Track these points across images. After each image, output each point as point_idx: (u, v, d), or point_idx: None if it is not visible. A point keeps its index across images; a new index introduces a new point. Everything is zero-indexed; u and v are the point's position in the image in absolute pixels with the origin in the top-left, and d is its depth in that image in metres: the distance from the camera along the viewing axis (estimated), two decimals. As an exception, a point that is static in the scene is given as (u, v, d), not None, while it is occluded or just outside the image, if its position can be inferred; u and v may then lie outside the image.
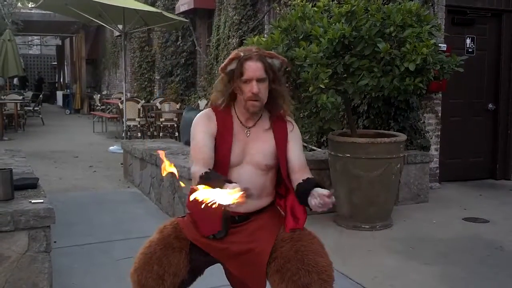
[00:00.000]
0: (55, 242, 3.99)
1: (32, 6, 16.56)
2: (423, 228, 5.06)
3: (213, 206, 1.81)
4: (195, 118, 2.40)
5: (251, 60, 2.23)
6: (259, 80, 2.23)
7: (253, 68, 2.22)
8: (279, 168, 2.36)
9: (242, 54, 2.26)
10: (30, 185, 3.83)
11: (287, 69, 2.47)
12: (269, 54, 2.32)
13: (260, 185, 2.31)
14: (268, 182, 2.35)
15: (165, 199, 5.63)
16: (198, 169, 2.15)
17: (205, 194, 1.84)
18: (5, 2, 16.27)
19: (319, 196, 2.09)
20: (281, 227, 2.31)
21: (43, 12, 16.27)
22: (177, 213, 5.21)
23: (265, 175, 2.33)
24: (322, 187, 2.16)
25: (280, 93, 2.35)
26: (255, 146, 2.31)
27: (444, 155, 6.88)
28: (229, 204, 1.84)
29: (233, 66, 2.26)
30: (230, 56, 2.28)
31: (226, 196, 1.85)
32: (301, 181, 2.24)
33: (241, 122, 2.34)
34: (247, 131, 2.33)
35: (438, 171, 6.77)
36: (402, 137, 5.17)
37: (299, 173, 2.30)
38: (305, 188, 2.19)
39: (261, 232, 2.28)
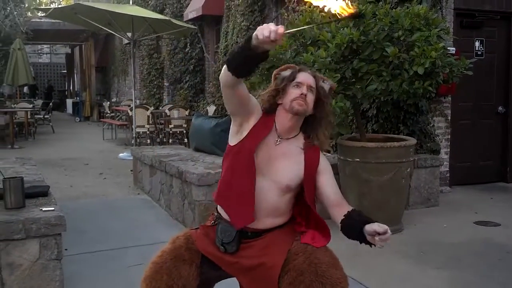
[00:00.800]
0: (66, 249, 4.00)
1: (42, 15, 16.68)
2: (434, 233, 5.04)
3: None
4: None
5: (305, 71, 2.33)
6: (309, 88, 2.28)
7: (306, 76, 2.30)
8: (298, 193, 2.33)
9: (297, 66, 2.36)
10: (41, 193, 3.86)
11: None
12: (321, 76, 2.38)
13: (274, 204, 2.27)
14: (283, 204, 2.30)
15: (174, 205, 5.64)
16: None
17: None
18: (16, 13, 16.41)
19: (375, 234, 2.03)
20: (293, 241, 2.28)
21: (53, 21, 16.39)
22: (187, 220, 5.22)
23: (282, 196, 2.27)
24: (366, 220, 2.12)
25: (322, 120, 2.33)
26: (282, 163, 2.27)
27: (454, 159, 6.84)
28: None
29: (287, 73, 2.31)
30: (286, 66, 2.35)
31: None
32: (343, 217, 2.20)
33: (276, 130, 2.31)
34: (277, 140, 2.29)
35: (448, 174, 6.74)
36: (412, 141, 5.15)
37: (338, 207, 2.26)
38: (352, 226, 2.17)
39: (273, 246, 2.25)
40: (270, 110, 2.34)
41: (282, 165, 2.26)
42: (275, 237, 2.29)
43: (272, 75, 2.36)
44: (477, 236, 4.92)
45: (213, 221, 2.36)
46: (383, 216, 4.92)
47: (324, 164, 2.33)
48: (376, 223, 2.05)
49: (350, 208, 2.24)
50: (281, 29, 1.86)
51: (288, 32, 1.93)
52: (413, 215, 5.55)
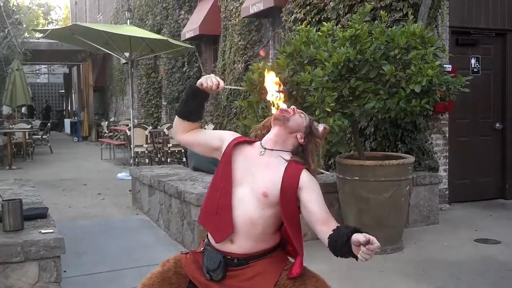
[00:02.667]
0: (64, 271, 3.98)
1: (40, 36, 16.77)
2: (434, 251, 5.02)
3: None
4: None
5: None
6: (301, 114, 2.37)
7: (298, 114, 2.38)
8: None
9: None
10: (39, 215, 3.85)
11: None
12: (316, 122, 2.47)
13: (253, 217, 2.21)
14: (262, 220, 2.22)
15: (173, 226, 5.62)
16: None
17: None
18: (13, 34, 16.48)
19: (359, 245, 1.98)
20: (281, 272, 2.25)
21: (50, 41, 16.47)
22: (186, 240, 5.20)
23: (261, 209, 2.21)
24: (355, 229, 2.06)
25: (311, 151, 2.37)
26: (262, 173, 2.25)
27: (452, 176, 6.84)
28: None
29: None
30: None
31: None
32: (332, 232, 2.11)
33: (260, 144, 2.34)
34: (262, 150, 2.30)
35: (447, 192, 6.74)
36: (411, 159, 5.16)
37: (325, 225, 2.16)
38: (339, 235, 2.06)
39: (260, 278, 2.22)
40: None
41: (261, 173, 2.25)
42: (262, 267, 2.25)
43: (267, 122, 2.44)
44: (478, 254, 4.91)
45: (202, 248, 2.36)
46: (383, 235, 4.92)
47: (307, 180, 2.24)
48: (363, 234, 1.99)
49: (336, 224, 2.17)
50: (221, 83, 2.29)
51: (227, 87, 2.34)
52: (413, 233, 5.54)
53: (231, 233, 2.22)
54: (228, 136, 2.38)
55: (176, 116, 2.38)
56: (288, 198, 2.21)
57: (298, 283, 2.20)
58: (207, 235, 2.36)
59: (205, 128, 11.63)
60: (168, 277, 2.31)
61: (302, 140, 2.33)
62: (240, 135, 2.43)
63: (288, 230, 2.24)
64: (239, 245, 2.23)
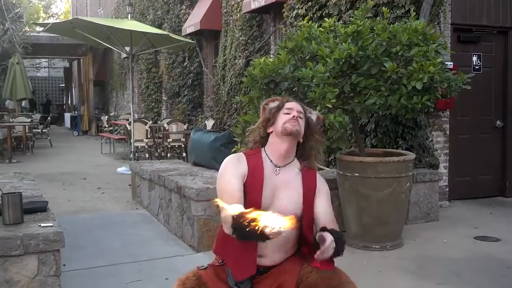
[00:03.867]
0: (64, 265, 3.97)
1: (40, 30, 16.75)
2: (434, 248, 5.02)
3: (259, 228, 1.80)
4: (224, 161, 2.36)
5: (293, 101, 2.42)
6: (299, 114, 2.35)
7: (295, 104, 2.39)
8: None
9: (284, 98, 2.46)
10: (39, 208, 3.84)
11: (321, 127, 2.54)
12: (308, 108, 2.47)
13: (287, 237, 2.23)
14: (293, 234, 2.28)
15: (173, 220, 5.62)
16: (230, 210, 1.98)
17: (256, 215, 1.84)
18: (15, 28, 16.46)
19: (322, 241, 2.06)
20: (304, 263, 2.28)
21: (51, 35, 16.44)
22: (186, 235, 5.19)
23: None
24: (333, 230, 2.13)
25: (313, 147, 2.39)
26: (285, 193, 2.28)
27: (453, 173, 6.84)
28: (279, 228, 1.82)
29: (275, 103, 2.39)
30: (273, 98, 2.46)
31: (277, 220, 1.84)
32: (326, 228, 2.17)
33: (271, 161, 2.33)
34: (276, 169, 2.31)
35: (447, 189, 6.73)
36: (411, 155, 5.15)
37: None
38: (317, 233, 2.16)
39: (285, 272, 2.26)
40: (261, 143, 2.40)
41: (285, 194, 2.27)
42: (285, 264, 2.29)
43: (261, 107, 2.44)
44: (478, 251, 4.90)
45: (220, 261, 2.34)
46: (383, 231, 4.93)
47: (321, 184, 2.35)
48: (330, 235, 2.06)
49: (336, 229, 2.24)
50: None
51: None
52: (413, 230, 5.54)
53: (252, 273, 2.23)
54: (238, 169, 2.29)
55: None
56: (310, 204, 2.30)
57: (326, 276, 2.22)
58: None
59: (206, 124, 11.64)
60: None
61: (302, 139, 2.37)
62: (240, 157, 2.34)
63: (307, 232, 2.29)
64: (270, 259, 2.27)
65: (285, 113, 2.34)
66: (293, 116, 2.31)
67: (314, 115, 2.42)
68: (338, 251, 2.13)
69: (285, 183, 2.28)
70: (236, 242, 2.06)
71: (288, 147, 2.32)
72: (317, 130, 2.41)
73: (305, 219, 2.28)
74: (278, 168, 2.31)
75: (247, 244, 2.15)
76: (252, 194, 2.25)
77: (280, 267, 2.29)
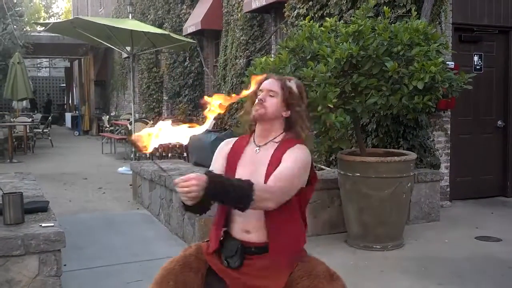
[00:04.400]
0: (65, 265, 3.97)
1: (41, 29, 16.76)
2: (435, 248, 5.01)
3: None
4: None
5: (270, 78, 2.40)
6: (270, 93, 2.34)
7: (267, 82, 2.37)
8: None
9: (266, 75, 2.45)
10: (40, 208, 3.85)
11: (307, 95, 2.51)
12: (288, 77, 2.45)
13: (260, 212, 2.22)
14: (272, 211, 2.22)
15: (174, 220, 5.62)
16: None
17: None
18: (16, 26, 16.48)
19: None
20: (298, 263, 2.26)
21: (52, 34, 16.45)
22: (187, 235, 5.19)
23: None
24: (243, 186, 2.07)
25: (298, 117, 2.36)
26: (263, 167, 2.29)
27: (454, 173, 6.83)
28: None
29: (255, 87, 2.40)
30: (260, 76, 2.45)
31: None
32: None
33: (254, 141, 2.38)
34: (256, 149, 2.35)
35: (448, 189, 6.72)
36: (412, 155, 5.14)
37: (273, 179, 2.19)
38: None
39: (274, 269, 2.23)
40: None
41: (263, 170, 2.28)
42: (278, 256, 2.25)
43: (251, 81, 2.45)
44: (479, 252, 4.90)
45: (221, 237, 2.37)
46: (384, 231, 4.92)
47: (289, 151, 2.28)
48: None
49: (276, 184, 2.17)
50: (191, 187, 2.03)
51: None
52: (414, 230, 5.53)
53: (215, 247, 2.31)
54: (221, 151, 2.44)
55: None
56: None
57: (314, 275, 2.21)
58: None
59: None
60: (189, 262, 2.33)
61: (288, 113, 2.35)
62: (230, 140, 2.48)
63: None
64: (255, 234, 2.27)
65: (258, 95, 2.37)
66: (259, 100, 2.33)
67: (292, 83, 2.39)
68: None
69: (263, 161, 2.30)
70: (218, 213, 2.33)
71: (263, 128, 2.35)
72: (297, 99, 2.36)
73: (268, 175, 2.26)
74: (258, 148, 2.35)
75: (219, 213, 2.33)
76: (229, 171, 2.34)
77: (270, 257, 2.24)
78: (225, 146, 2.46)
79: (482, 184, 7.18)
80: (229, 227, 2.34)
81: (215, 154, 2.48)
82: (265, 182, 2.22)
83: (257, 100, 2.33)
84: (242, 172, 2.30)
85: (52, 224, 3.42)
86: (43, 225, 3.41)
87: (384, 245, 4.93)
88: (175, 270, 2.30)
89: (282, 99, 2.33)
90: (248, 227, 2.27)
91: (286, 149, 2.29)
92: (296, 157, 2.25)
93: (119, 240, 5.35)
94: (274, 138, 2.36)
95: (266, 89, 2.35)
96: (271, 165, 2.26)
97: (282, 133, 2.37)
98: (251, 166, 2.31)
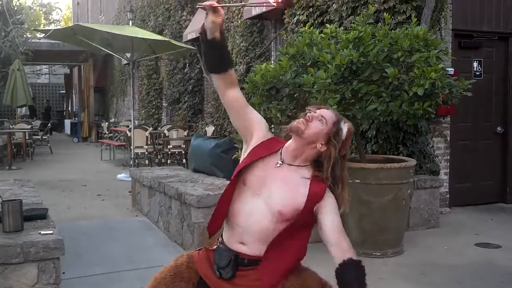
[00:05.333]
0: (63, 273, 3.95)
1: (41, 36, 16.79)
2: (435, 254, 5.00)
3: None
4: None
5: (329, 109, 2.28)
6: (320, 117, 2.19)
7: (325, 110, 2.25)
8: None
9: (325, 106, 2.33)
10: (39, 215, 3.83)
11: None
12: (345, 119, 2.29)
13: (265, 229, 2.17)
14: (275, 233, 2.17)
15: (173, 227, 5.60)
16: None
17: None
18: (15, 33, 16.51)
19: None
20: (289, 275, 2.21)
21: (52, 41, 16.47)
22: (186, 242, 5.17)
23: (274, 223, 2.16)
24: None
25: (327, 156, 2.19)
26: (277, 187, 2.17)
27: (453, 179, 6.82)
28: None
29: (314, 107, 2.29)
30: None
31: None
32: (340, 264, 2.08)
33: (281, 155, 2.24)
34: (279, 162, 2.22)
35: (448, 195, 6.71)
36: (412, 162, 5.14)
37: (335, 246, 2.11)
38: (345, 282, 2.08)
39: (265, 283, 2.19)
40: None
41: (278, 189, 2.17)
42: (271, 268, 2.20)
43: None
44: (479, 258, 4.88)
45: (216, 246, 2.34)
46: (384, 238, 4.91)
47: (329, 199, 2.17)
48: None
49: (347, 251, 2.10)
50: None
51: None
52: (414, 236, 5.51)
53: (216, 229, 2.25)
54: (258, 135, 2.30)
55: (210, 74, 2.29)
56: (306, 213, 2.16)
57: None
58: (221, 234, 2.34)
59: (206, 130, 11.64)
60: (180, 272, 2.30)
61: (325, 148, 2.19)
62: (270, 138, 2.31)
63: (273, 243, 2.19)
64: (250, 247, 2.20)
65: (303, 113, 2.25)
66: (306, 115, 2.20)
67: (345, 127, 2.23)
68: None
69: (282, 179, 2.19)
70: (220, 200, 2.24)
71: (295, 147, 2.21)
72: (339, 142, 2.20)
73: (296, 221, 2.17)
74: (280, 162, 2.23)
75: (222, 201, 2.23)
76: (249, 156, 2.25)
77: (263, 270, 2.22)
78: (266, 130, 2.33)
79: (482, 190, 7.17)
80: (225, 235, 2.28)
81: (261, 120, 2.35)
82: (276, 201, 2.15)
83: (304, 114, 2.21)
84: (256, 173, 2.21)
85: (51, 232, 3.40)
86: (42, 232, 3.39)
87: (384, 252, 4.91)
88: (166, 280, 2.27)
89: (327, 131, 2.19)
90: (244, 239, 2.20)
91: (321, 192, 2.16)
92: (337, 211, 2.19)
93: (118, 248, 5.33)
94: (300, 166, 2.22)
95: (319, 113, 2.21)
96: (308, 203, 2.14)
97: (308, 165, 2.23)
98: (265, 172, 2.21)
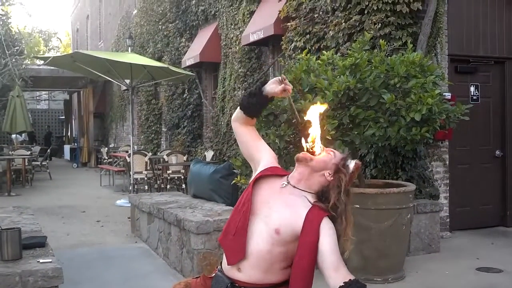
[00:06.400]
0: (62, 301, 3.93)
1: (41, 63, 16.91)
2: (436, 280, 4.97)
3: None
4: None
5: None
6: (330, 151, 2.26)
7: (335, 151, 2.32)
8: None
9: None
10: (38, 243, 3.82)
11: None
12: (350, 157, 2.35)
13: (262, 251, 2.16)
14: (272, 256, 2.17)
15: (173, 254, 5.57)
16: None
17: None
18: (16, 62, 16.62)
19: None
20: None
21: (51, 68, 16.58)
22: (185, 269, 5.15)
23: (271, 244, 2.15)
24: None
25: (332, 187, 2.22)
26: (278, 206, 2.19)
27: (453, 203, 6.82)
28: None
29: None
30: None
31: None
32: (342, 285, 2.04)
33: (287, 177, 2.27)
34: (284, 183, 2.24)
35: (448, 219, 6.70)
36: (411, 187, 5.14)
37: (335, 272, 2.09)
38: None
39: None
40: None
41: (278, 208, 2.18)
42: None
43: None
44: (480, 283, 4.86)
45: (214, 273, 2.34)
46: (384, 264, 4.88)
47: (326, 226, 2.17)
48: None
49: (345, 276, 2.07)
50: (288, 87, 2.28)
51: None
52: (415, 261, 5.49)
53: (242, 257, 2.18)
54: (266, 161, 2.36)
55: (238, 106, 2.39)
56: (307, 244, 2.13)
57: None
58: (221, 262, 2.33)
59: (205, 155, 11.66)
60: None
61: (331, 178, 2.22)
62: (276, 166, 2.36)
63: (293, 278, 2.16)
64: (246, 274, 2.19)
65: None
66: (330, 150, 2.27)
67: (352, 163, 2.29)
68: None
69: (285, 201, 2.20)
70: (232, 228, 2.23)
71: (300, 172, 2.24)
72: (345, 174, 2.23)
73: (296, 260, 2.14)
74: (286, 183, 2.24)
75: (239, 231, 2.20)
76: (263, 171, 2.32)
77: None
78: (272, 157, 2.40)
79: (482, 214, 7.16)
80: (224, 262, 2.27)
81: (268, 150, 2.45)
82: (275, 220, 2.15)
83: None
84: (259, 193, 2.24)
85: (50, 260, 3.39)
86: (41, 261, 3.38)
87: (385, 278, 4.89)
88: None
89: (335, 162, 2.23)
90: (241, 264, 2.19)
91: (320, 218, 2.16)
92: (335, 239, 2.19)
93: (117, 275, 5.29)
94: (304, 191, 2.23)
95: (329, 148, 2.29)
96: (305, 229, 2.12)
97: (312, 193, 2.24)
98: (269, 193, 2.23)
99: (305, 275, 2.13)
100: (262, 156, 2.37)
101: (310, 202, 2.19)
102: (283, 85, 2.27)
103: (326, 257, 2.11)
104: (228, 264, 2.23)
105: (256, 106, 2.34)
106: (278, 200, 2.20)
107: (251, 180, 2.31)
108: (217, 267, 2.36)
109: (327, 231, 2.16)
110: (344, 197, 2.24)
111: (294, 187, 2.23)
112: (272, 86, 2.28)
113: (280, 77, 2.29)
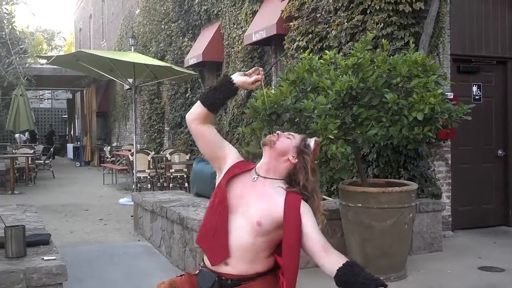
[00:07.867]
0: (66, 299, 3.95)
1: (44, 62, 16.94)
2: (438, 279, 4.98)
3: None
4: None
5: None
6: (288, 135, 2.37)
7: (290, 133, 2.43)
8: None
9: None
10: (42, 241, 3.85)
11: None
12: (308, 136, 2.46)
13: (246, 244, 2.22)
14: (256, 247, 2.23)
15: (175, 252, 5.60)
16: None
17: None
18: (20, 61, 16.67)
19: None
20: None
21: (54, 67, 16.62)
22: (188, 267, 5.17)
23: (254, 236, 2.22)
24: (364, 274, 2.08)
25: (299, 169, 2.32)
26: (254, 199, 2.26)
27: (455, 203, 6.83)
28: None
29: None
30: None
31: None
32: (341, 266, 2.12)
33: (255, 170, 2.35)
34: (255, 177, 2.32)
35: (450, 219, 6.71)
36: (414, 185, 5.15)
37: (325, 252, 2.18)
38: (352, 280, 2.09)
39: None
40: None
41: (255, 202, 2.25)
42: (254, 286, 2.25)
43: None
44: (482, 282, 4.87)
45: (198, 270, 2.37)
46: (387, 263, 4.90)
47: (304, 209, 2.25)
48: None
49: (338, 256, 2.17)
50: (259, 77, 2.39)
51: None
52: (417, 260, 5.50)
53: (226, 257, 2.24)
54: (232, 158, 2.40)
55: (198, 101, 2.40)
56: (293, 227, 2.20)
57: None
58: (203, 258, 2.38)
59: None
60: None
61: (296, 161, 2.31)
62: (242, 161, 2.42)
63: (285, 260, 2.22)
64: (233, 267, 2.24)
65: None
66: (275, 133, 2.38)
67: (311, 141, 2.40)
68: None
69: (260, 193, 2.27)
70: (211, 230, 2.26)
71: (268, 160, 2.33)
72: (308, 154, 2.33)
73: (285, 242, 2.21)
74: (256, 176, 2.32)
75: (219, 232, 2.24)
76: (226, 174, 2.34)
77: (248, 285, 2.25)
78: (235, 160, 2.41)
79: (484, 214, 7.17)
80: (206, 258, 2.31)
81: (229, 146, 2.48)
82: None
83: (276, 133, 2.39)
84: (233, 190, 2.29)
85: (54, 258, 3.42)
86: (45, 258, 3.41)
87: (387, 277, 4.89)
88: None
89: (296, 144, 2.33)
90: (227, 259, 2.24)
91: (297, 202, 2.25)
92: (315, 220, 2.27)
93: (120, 273, 5.32)
94: (274, 179, 2.31)
95: (287, 132, 2.41)
96: (287, 214, 2.21)
97: (282, 179, 2.33)
98: (242, 189, 2.29)
99: (296, 253, 2.22)
100: (227, 153, 2.42)
101: (283, 189, 2.29)
102: (254, 76, 2.37)
103: (313, 238, 2.20)
104: (212, 265, 2.28)
105: (222, 101, 2.40)
106: (253, 194, 2.28)
107: (221, 179, 2.35)
108: (199, 264, 2.41)
109: (307, 213, 2.26)
110: (312, 175, 2.32)
111: (265, 177, 2.32)
112: (243, 79, 2.38)
113: (244, 72, 2.41)
